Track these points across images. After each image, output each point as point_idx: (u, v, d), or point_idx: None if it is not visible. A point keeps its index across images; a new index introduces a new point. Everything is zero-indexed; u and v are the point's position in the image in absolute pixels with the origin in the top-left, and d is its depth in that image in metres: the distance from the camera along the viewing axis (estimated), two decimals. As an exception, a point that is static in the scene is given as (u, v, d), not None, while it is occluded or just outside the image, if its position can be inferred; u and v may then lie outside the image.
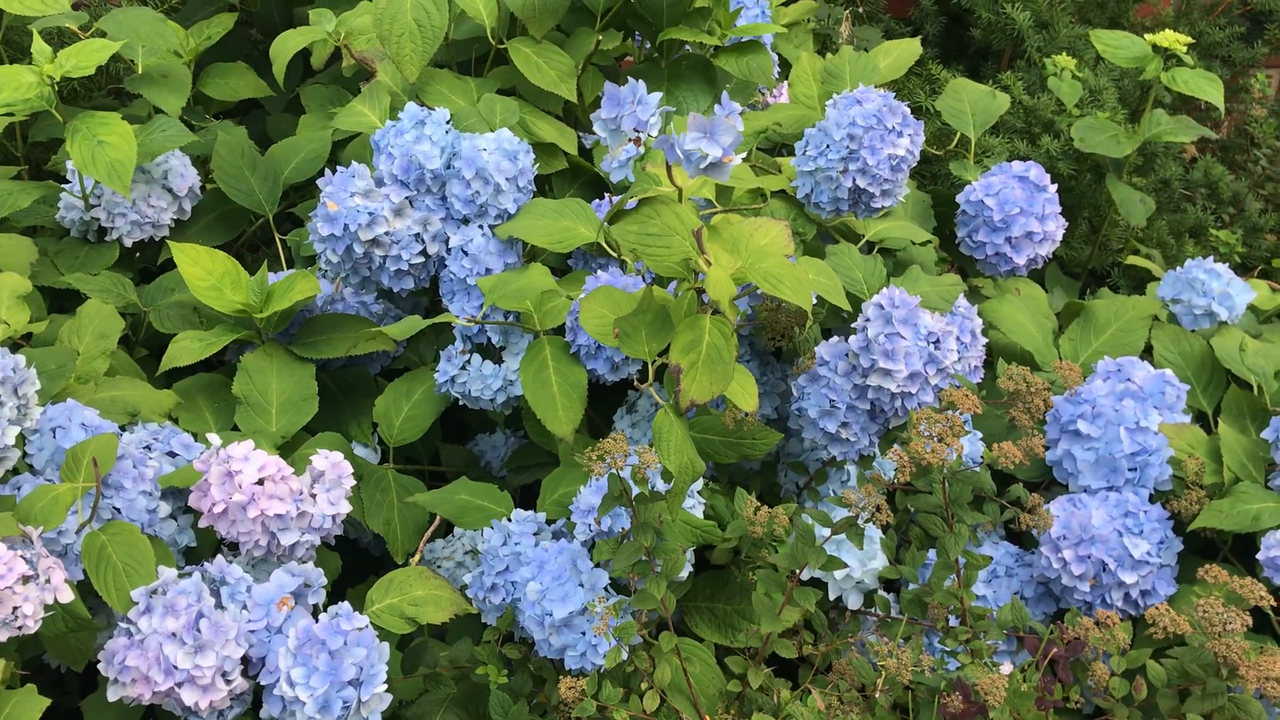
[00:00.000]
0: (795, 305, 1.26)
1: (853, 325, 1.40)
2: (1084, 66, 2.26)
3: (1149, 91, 2.02)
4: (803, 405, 1.44)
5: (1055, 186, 1.71)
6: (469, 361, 1.55)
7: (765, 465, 1.61)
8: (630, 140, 1.23)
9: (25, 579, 1.17)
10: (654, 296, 1.31)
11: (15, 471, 1.35)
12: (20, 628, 1.16)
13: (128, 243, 1.76)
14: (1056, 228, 1.70)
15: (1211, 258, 1.77)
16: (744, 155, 1.59)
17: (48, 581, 1.18)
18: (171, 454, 1.42)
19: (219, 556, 1.29)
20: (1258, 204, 2.41)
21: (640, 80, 1.22)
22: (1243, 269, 2.31)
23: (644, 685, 1.28)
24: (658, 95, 1.19)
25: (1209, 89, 1.91)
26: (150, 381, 1.57)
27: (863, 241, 1.67)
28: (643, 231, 1.24)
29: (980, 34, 2.41)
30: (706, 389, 1.22)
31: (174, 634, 1.19)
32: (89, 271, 1.72)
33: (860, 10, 2.54)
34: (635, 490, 1.23)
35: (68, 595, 1.20)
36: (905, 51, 1.93)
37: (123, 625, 1.22)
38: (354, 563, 1.65)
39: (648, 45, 1.87)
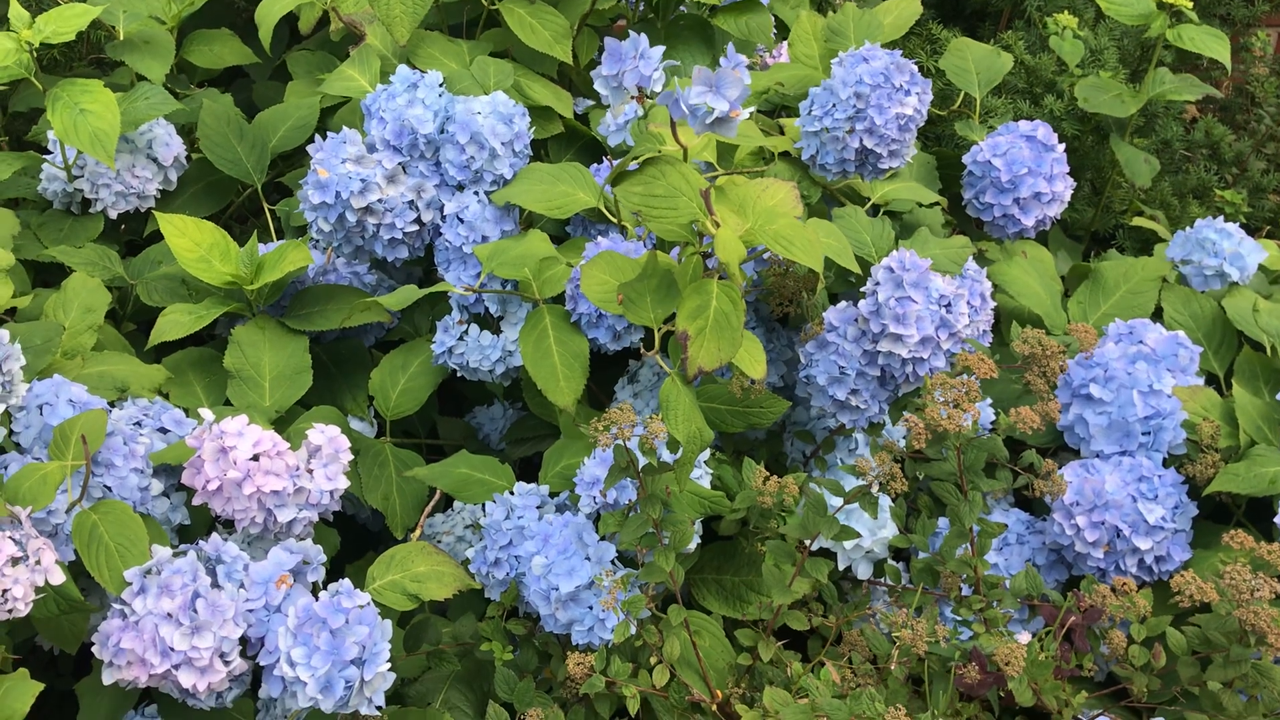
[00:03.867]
0: (806, 268, 1.22)
1: (862, 289, 1.37)
2: (1084, 25, 2.21)
3: (1151, 50, 1.99)
4: (811, 372, 1.41)
5: (1062, 146, 1.67)
6: (466, 332, 1.51)
7: (771, 434, 1.57)
8: (632, 98, 1.18)
9: (14, 560, 1.13)
10: (658, 261, 1.27)
11: (1, 450, 1.31)
12: (10, 611, 1.12)
13: (112, 214, 1.72)
14: (1065, 188, 1.67)
15: (1221, 218, 1.74)
16: (749, 112, 1.54)
17: (38, 563, 1.15)
18: (163, 430, 1.38)
19: (214, 534, 1.26)
20: (1260, 164, 2.37)
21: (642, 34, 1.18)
22: (1248, 230, 2.28)
23: (653, 660, 1.25)
24: (660, 49, 1.15)
25: (1216, 46, 1.87)
26: (139, 356, 1.53)
27: (869, 204, 1.63)
28: (647, 193, 1.20)
29: (979, -7, 2.36)
30: (715, 356, 1.19)
31: (170, 615, 1.16)
32: (73, 244, 1.68)
33: (856, -30, 2.49)
34: (642, 461, 1.20)
35: (59, 577, 1.16)
36: (906, 10, 1.88)
37: (116, 607, 1.18)
38: (352, 539, 1.61)
39: (642, 5, 1.82)
